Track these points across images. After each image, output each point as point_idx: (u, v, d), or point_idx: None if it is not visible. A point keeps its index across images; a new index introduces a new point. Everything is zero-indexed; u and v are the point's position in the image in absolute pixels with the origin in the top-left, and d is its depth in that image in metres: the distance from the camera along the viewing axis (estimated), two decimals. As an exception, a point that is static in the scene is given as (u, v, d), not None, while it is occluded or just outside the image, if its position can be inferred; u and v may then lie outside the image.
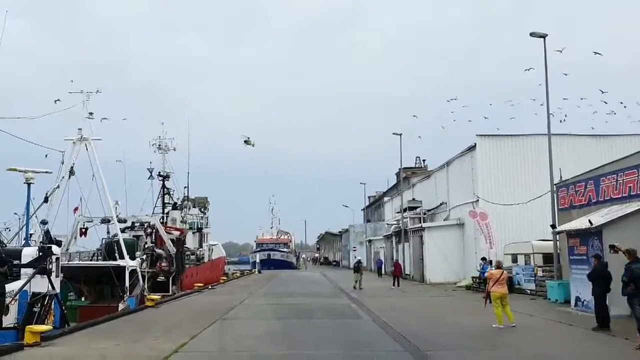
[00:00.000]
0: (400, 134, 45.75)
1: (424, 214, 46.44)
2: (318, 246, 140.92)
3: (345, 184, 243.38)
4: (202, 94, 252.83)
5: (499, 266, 17.59)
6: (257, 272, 67.23)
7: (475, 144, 35.99)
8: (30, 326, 14.21)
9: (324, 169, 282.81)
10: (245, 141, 45.80)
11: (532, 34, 24.99)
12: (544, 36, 24.87)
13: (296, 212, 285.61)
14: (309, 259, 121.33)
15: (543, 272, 26.35)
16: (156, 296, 25.29)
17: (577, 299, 19.76)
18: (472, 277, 32.37)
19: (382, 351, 13.04)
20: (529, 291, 26.38)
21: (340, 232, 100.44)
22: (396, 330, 15.98)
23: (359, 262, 37.44)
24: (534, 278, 26.81)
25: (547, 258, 26.23)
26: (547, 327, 16.78)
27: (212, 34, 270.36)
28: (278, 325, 17.68)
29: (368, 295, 29.02)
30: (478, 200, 35.07)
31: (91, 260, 33.17)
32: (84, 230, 33.23)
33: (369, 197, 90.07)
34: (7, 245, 21.79)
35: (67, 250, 31.27)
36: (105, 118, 31.55)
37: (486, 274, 18.30)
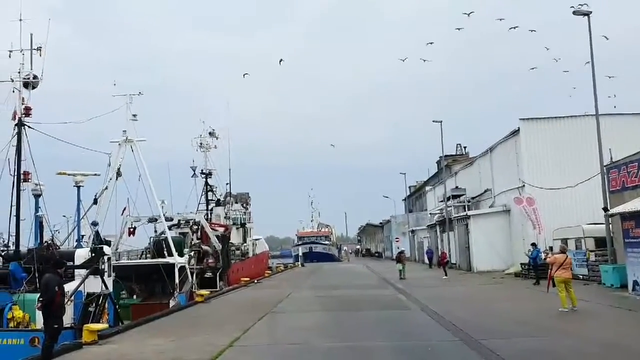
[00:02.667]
0: (440, 121, 45.10)
1: (468, 201, 45.79)
2: (359, 238, 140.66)
3: (384, 174, 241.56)
4: (235, 88, 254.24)
5: (563, 251, 17.66)
6: (300, 265, 67.61)
7: (519, 128, 35.24)
8: (88, 325, 14.53)
9: (361, 160, 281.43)
10: (210, 133, 46.86)
11: (575, 12, 24.25)
12: (588, 14, 24.10)
13: (336, 204, 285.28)
14: (350, 251, 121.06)
15: (596, 256, 25.66)
16: (205, 292, 25.62)
17: (635, 283, 19.19)
18: (521, 264, 31.78)
19: (435, 341, 12.90)
20: (581, 276, 25.71)
21: (381, 223, 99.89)
22: (446, 319, 15.81)
23: (401, 252, 37.60)
24: (586, 263, 26.15)
25: (599, 242, 25.53)
26: (605, 313, 16.35)
27: (229, 28, 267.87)
28: (327, 317, 17.71)
29: (414, 286, 28.80)
30: (524, 185, 34.37)
31: (140, 258, 33.87)
32: (132, 229, 33.85)
33: (409, 187, 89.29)
34: (60, 247, 22.39)
35: (116, 249, 31.98)
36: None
37: (548, 259, 18.18)
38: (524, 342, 12.35)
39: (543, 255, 27.90)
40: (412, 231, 69.99)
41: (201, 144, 47.43)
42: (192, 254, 33.52)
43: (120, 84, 30.95)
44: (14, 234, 20.37)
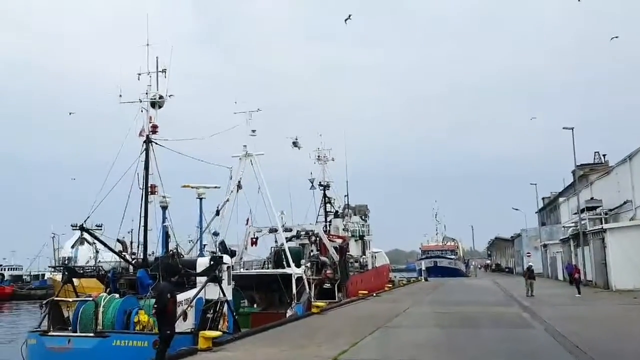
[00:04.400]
0: (572, 128, 42.05)
1: (605, 214, 42.26)
2: (489, 252, 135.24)
3: (513, 184, 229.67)
4: (348, 99, 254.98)
5: None
6: (423, 280, 66.08)
7: (662, 132, 31.96)
8: (203, 332, 15.07)
9: (486, 170, 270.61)
10: (293, 142, 46.42)
11: None
12: None
13: (462, 216, 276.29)
14: (479, 266, 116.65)
15: None
16: (322, 303, 25.73)
17: None
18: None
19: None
20: None
21: (512, 237, 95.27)
22: (572, 341, 14.51)
23: (529, 268, 35.56)
24: None
25: None
26: None
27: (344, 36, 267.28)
28: (442, 334, 17.01)
29: (542, 304, 26.95)
30: (669, 196, 31.05)
31: (262, 268, 34.84)
32: (254, 240, 34.91)
33: (542, 199, 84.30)
34: (185, 255, 23.58)
35: (240, 259, 33.12)
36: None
37: None
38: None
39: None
40: (544, 245, 65.98)
41: (318, 156, 48.20)
42: (309, 264, 33.87)
43: (239, 102, 32.01)
44: (143, 243, 21.77)
